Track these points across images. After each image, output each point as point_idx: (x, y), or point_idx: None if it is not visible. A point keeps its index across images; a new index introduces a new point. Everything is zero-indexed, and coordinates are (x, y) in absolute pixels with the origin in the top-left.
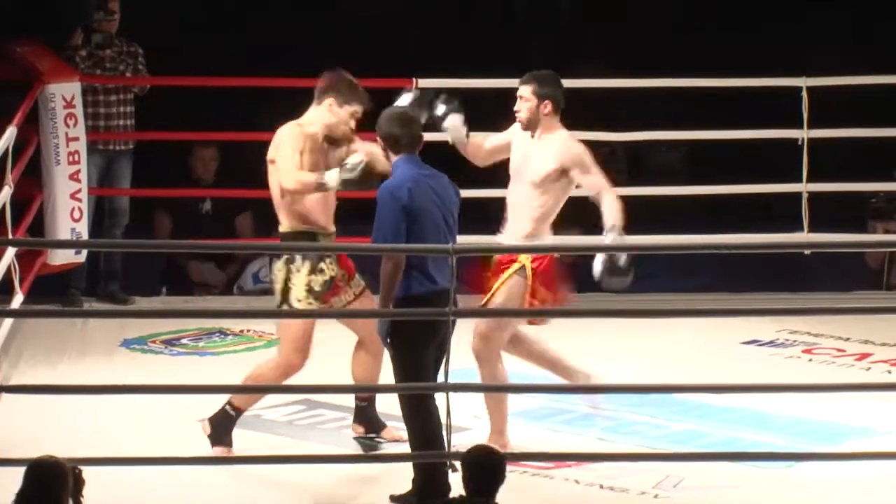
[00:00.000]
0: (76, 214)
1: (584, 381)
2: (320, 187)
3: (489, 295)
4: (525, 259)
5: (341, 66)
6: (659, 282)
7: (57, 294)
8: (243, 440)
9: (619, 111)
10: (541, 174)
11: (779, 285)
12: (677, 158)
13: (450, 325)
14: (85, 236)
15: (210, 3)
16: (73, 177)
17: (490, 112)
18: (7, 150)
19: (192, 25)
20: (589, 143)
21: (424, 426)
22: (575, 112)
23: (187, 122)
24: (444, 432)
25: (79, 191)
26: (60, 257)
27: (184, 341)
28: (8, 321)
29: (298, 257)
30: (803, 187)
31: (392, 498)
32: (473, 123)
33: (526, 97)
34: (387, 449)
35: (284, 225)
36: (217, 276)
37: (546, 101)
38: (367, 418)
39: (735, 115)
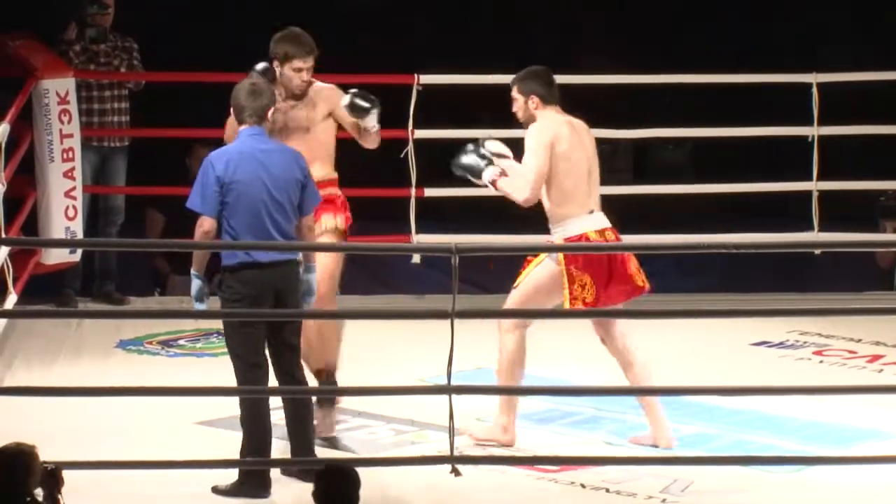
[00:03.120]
0: (70, 213)
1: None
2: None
3: (520, 278)
4: (558, 241)
5: (341, 60)
6: (666, 282)
7: (51, 294)
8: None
9: (624, 108)
10: None
11: (789, 285)
12: (683, 156)
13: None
14: (80, 235)
15: None
16: (68, 174)
17: (488, 106)
18: (0, 147)
19: (189, 19)
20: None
21: (253, 422)
22: (578, 109)
23: (188, 119)
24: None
25: (73, 189)
26: (54, 257)
27: (181, 342)
28: (1, 322)
29: None
30: (814, 185)
31: (213, 489)
32: (475, 119)
33: (515, 97)
34: None
35: None
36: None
37: (531, 96)
38: None
39: (743, 111)
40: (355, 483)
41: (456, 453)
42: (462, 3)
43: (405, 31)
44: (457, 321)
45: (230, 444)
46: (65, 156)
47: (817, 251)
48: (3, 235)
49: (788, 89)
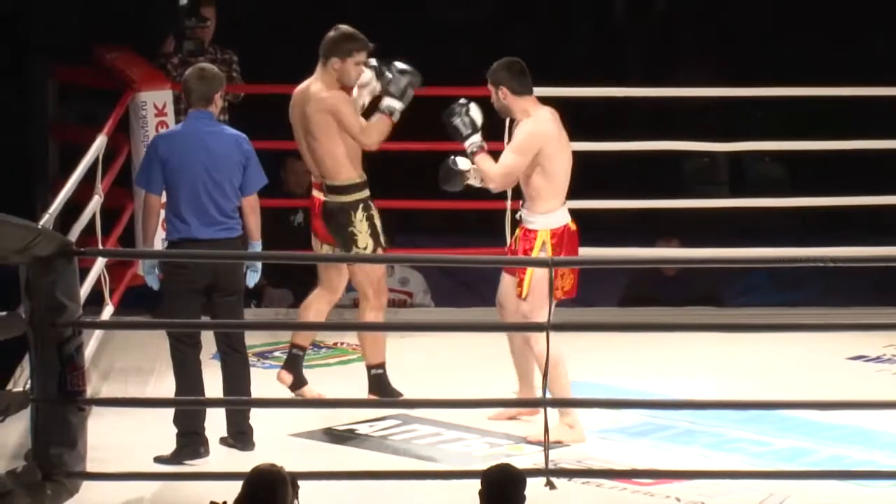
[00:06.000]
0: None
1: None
2: (392, 116)
3: (520, 278)
4: (544, 234)
5: (442, 72)
6: (763, 295)
7: (148, 305)
8: (337, 455)
9: (720, 120)
10: None
11: (886, 300)
12: (780, 169)
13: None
14: None
15: (303, 9)
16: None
17: (582, 118)
18: (98, 158)
19: (287, 30)
20: (688, 153)
21: (180, 373)
22: (674, 120)
23: (284, 132)
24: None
25: None
26: None
27: (276, 354)
28: (98, 333)
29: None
30: None
31: (155, 458)
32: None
33: (490, 91)
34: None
35: (349, 176)
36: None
37: (500, 88)
38: (294, 369)
39: (841, 124)
40: (520, 482)
41: (551, 466)
42: (560, 17)
43: (502, 44)
44: (552, 334)
45: (325, 455)
46: None
47: None
48: (101, 247)
49: (889, 102)
